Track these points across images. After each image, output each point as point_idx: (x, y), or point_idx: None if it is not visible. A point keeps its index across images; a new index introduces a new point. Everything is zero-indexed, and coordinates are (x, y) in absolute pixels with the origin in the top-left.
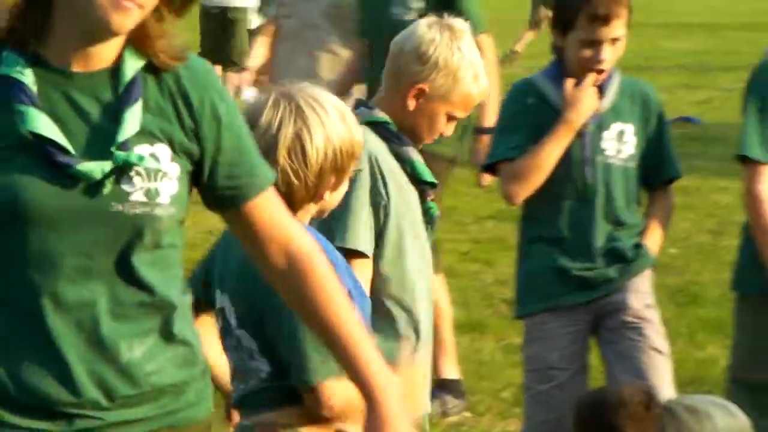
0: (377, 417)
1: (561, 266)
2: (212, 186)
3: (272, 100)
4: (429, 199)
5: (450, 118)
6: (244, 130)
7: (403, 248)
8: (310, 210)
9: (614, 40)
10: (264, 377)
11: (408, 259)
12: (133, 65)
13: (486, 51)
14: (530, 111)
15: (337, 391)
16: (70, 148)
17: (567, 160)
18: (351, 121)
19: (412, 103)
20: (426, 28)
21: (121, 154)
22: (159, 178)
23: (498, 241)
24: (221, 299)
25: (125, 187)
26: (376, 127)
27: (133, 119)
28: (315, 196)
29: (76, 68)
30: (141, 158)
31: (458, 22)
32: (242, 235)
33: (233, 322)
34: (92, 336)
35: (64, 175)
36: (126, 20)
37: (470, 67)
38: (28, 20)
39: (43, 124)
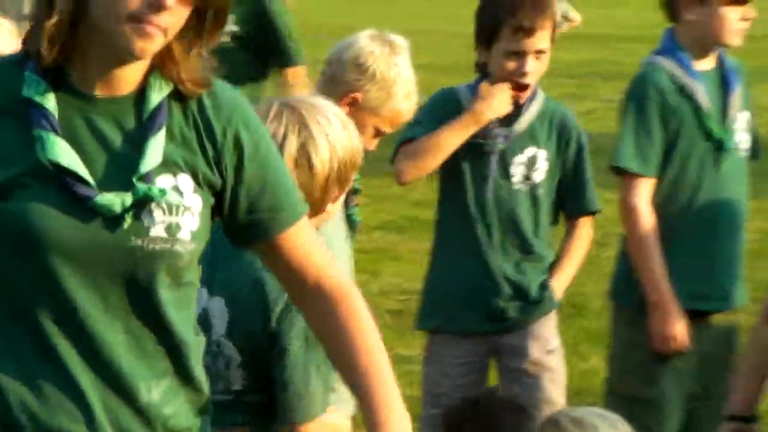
0: None
1: (462, 287)
2: (232, 220)
3: (275, 111)
4: (352, 205)
5: (377, 132)
6: (271, 162)
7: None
8: (311, 223)
9: (539, 53)
10: (236, 389)
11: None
12: (158, 91)
13: (300, 83)
14: (444, 114)
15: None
16: (90, 179)
17: (475, 179)
18: (352, 129)
19: (343, 111)
20: (367, 40)
21: (142, 187)
22: (180, 212)
23: (384, 251)
24: (207, 300)
25: (145, 221)
26: None
27: (156, 149)
28: (319, 209)
29: (100, 93)
30: (163, 192)
31: (399, 39)
32: (272, 266)
33: (221, 329)
34: (110, 374)
35: (83, 207)
36: (149, 45)
37: (405, 85)
38: (55, 42)
39: (63, 153)
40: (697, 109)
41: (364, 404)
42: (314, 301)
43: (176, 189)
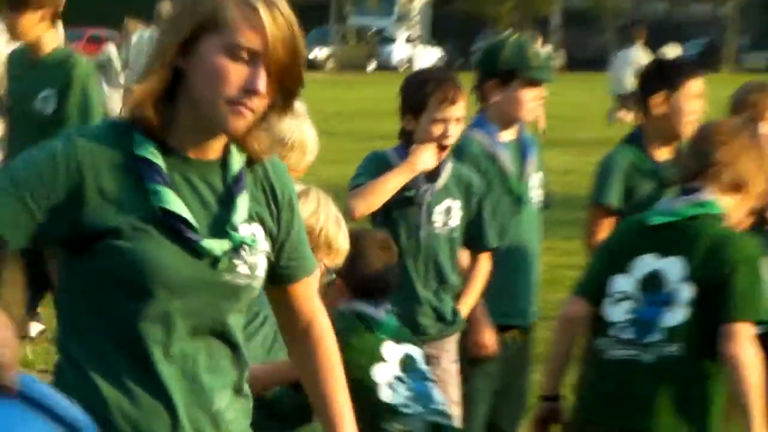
0: None
1: (395, 309)
2: (274, 264)
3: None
4: None
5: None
6: (302, 224)
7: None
8: None
9: (458, 120)
10: None
11: None
12: (238, 159)
13: None
14: (378, 170)
15: None
16: (196, 225)
17: (407, 224)
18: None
19: None
20: None
21: (237, 236)
22: (257, 254)
23: None
24: None
25: (235, 261)
26: None
27: (242, 206)
28: None
29: (193, 155)
30: (253, 240)
31: (299, 105)
32: (277, 303)
33: None
34: (194, 385)
35: (190, 249)
36: (242, 123)
37: (311, 141)
38: (157, 111)
39: (174, 203)
40: (502, 171)
41: (327, 424)
42: (301, 339)
43: (253, 236)
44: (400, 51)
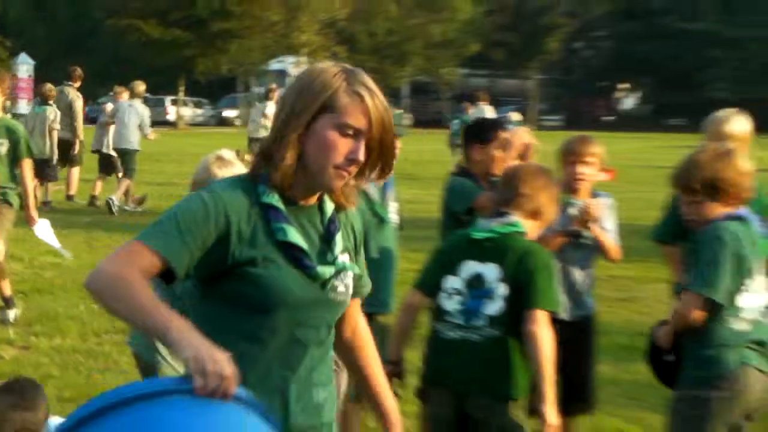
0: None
1: None
2: None
3: None
4: None
5: None
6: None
7: None
8: None
9: None
10: None
11: None
12: (330, 206)
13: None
14: None
15: None
16: (312, 255)
17: None
18: None
19: None
20: (216, 166)
21: (339, 263)
22: (349, 277)
23: None
24: None
25: (336, 283)
26: None
27: (339, 241)
28: None
29: (302, 203)
30: (352, 266)
31: (228, 153)
32: None
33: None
34: (306, 384)
35: (306, 274)
36: (341, 183)
37: None
38: (287, 176)
39: (297, 237)
40: (368, 199)
41: (378, 406)
42: (350, 340)
43: (348, 263)
44: None
